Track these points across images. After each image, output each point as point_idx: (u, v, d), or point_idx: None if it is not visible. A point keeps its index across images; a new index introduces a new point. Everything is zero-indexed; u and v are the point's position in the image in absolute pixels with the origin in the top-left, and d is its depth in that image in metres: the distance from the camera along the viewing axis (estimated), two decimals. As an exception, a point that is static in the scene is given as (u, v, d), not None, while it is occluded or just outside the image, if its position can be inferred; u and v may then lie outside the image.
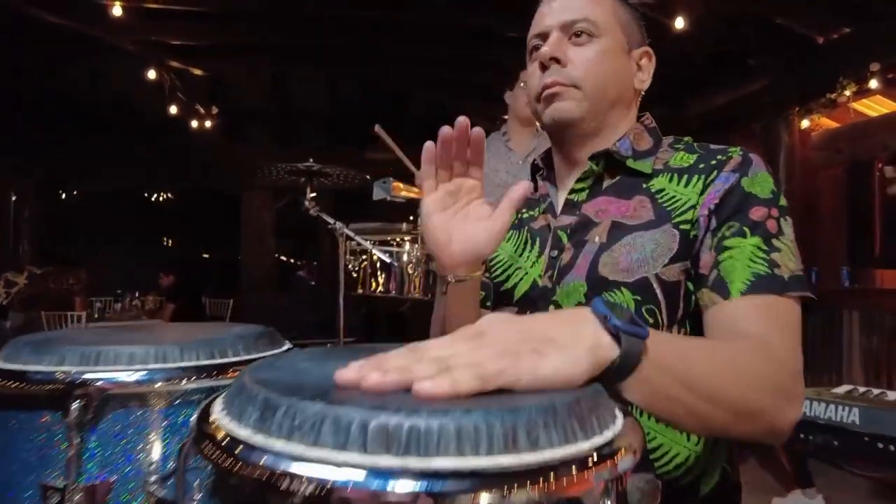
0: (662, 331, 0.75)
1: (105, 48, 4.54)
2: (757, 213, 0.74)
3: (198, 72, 5.17)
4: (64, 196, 9.20)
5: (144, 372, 0.65)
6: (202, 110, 5.81)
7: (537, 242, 0.91)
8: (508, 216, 0.75)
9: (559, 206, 0.90)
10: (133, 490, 0.62)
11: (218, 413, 0.44)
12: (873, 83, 3.95)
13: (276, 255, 8.62)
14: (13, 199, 7.22)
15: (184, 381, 0.66)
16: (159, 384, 0.65)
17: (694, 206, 0.77)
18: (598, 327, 0.50)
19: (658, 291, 0.76)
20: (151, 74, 4.66)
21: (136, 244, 10.03)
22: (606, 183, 0.86)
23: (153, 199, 10.40)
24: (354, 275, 2.00)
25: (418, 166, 0.86)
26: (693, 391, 0.57)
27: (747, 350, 0.65)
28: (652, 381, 0.53)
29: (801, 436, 1.24)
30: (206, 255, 10.38)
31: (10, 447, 0.64)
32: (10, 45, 4.80)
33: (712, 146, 0.85)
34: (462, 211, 0.76)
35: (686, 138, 0.90)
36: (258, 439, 0.38)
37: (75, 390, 0.61)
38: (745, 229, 0.73)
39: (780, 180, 4.80)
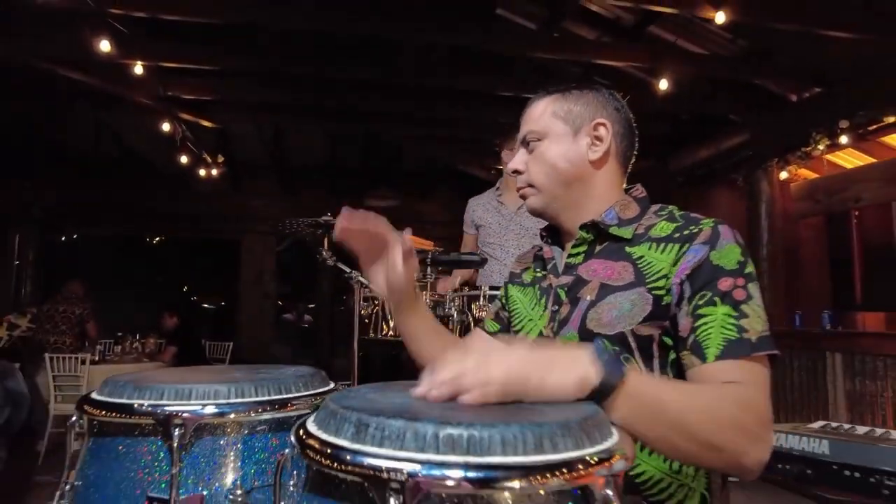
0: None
1: (110, 98, 4.77)
2: (725, 284, 0.86)
3: (207, 124, 5.41)
4: (64, 239, 9.32)
5: (227, 405, 0.80)
6: (209, 159, 6.04)
7: (543, 298, 1.07)
8: (399, 262, 1.01)
9: (560, 268, 1.07)
10: (220, 501, 0.76)
11: (315, 431, 0.59)
12: (843, 139, 4.22)
13: (275, 299, 8.73)
14: (17, 240, 7.35)
15: (258, 412, 0.81)
16: (239, 415, 0.80)
17: (667, 276, 0.91)
18: (588, 362, 0.69)
19: (633, 343, 0.91)
20: (166, 126, 4.89)
21: (135, 288, 10.12)
22: (598, 248, 1.02)
23: (152, 243, 10.54)
24: (367, 321, 2.14)
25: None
26: (664, 421, 0.73)
27: (721, 395, 0.80)
28: (626, 407, 0.70)
29: (780, 466, 1.36)
30: (203, 299, 10.49)
31: (118, 468, 0.77)
32: (21, 94, 5.04)
33: (691, 215, 0.99)
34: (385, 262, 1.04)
35: (671, 207, 1.05)
36: (356, 447, 0.53)
37: (174, 420, 0.76)
38: (716, 299, 0.86)
39: (764, 228, 5.03)
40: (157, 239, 10.61)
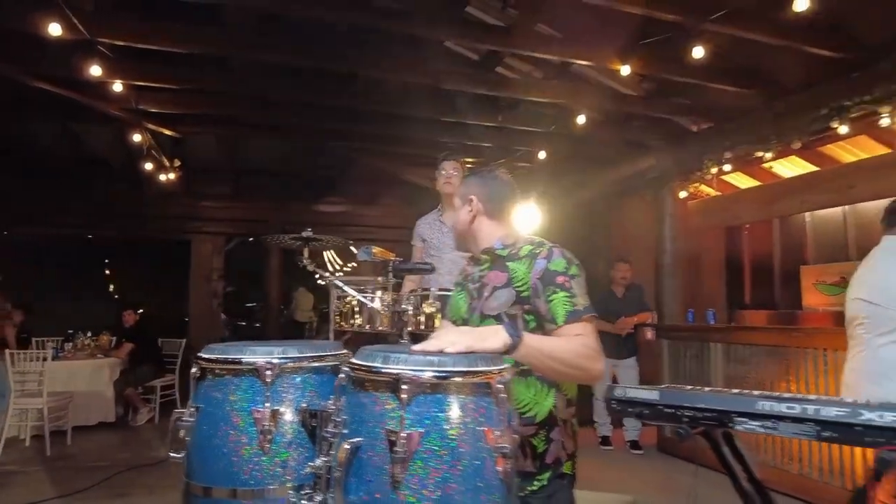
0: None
1: (79, 108, 5.08)
2: (559, 279, 1.55)
3: (168, 132, 5.77)
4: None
5: (289, 358, 1.37)
6: (168, 164, 6.37)
7: (466, 294, 1.73)
8: None
9: (476, 276, 1.73)
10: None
11: (359, 361, 1.18)
12: (726, 166, 5.12)
13: (223, 297, 9.02)
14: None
15: (319, 361, 1.39)
16: (301, 363, 1.38)
17: (526, 280, 1.58)
18: (504, 331, 1.31)
19: (505, 319, 1.51)
20: (137, 137, 5.25)
21: (88, 287, 10.12)
22: (493, 264, 1.69)
23: (98, 244, 10.56)
24: (337, 316, 2.72)
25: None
26: (550, 357, 1.38)
27: (573, 340, 1.46)
28: (526, 353, 1.33)
29: (630, 409, 2.04)
30: (155, 298, 10.63)
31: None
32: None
33: (539, 241, 1.66)
34: None
35: (536, 237, 1.71)
36: (381, 366, 1.13)
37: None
38: (557, 289, 1.54)
39: (667, 238, 5.89)
40: (108, 238, 10.62)
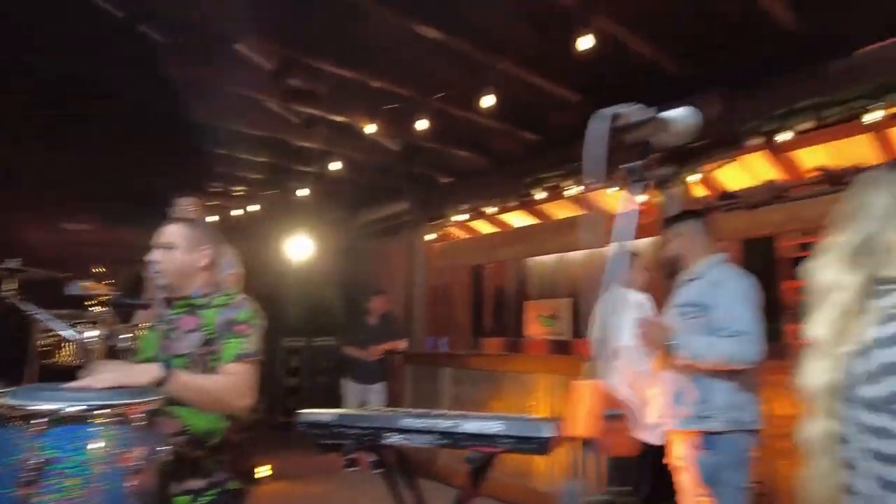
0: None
1: None
2: (239, 328, 1.85)
3: None
4: None
5: None
6: None
7: (160, 335, 1.93)
8: None
9: (168, 318, 1.94)
10: None
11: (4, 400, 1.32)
12: (462, 216, 6.01)
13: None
14: None
15: None
16: None
17: (209, 325, 1.86)
18: (157, 368, 1.57)
19: (197, 358, 1.80)
20: None
21: None
22: (188, 310, 1.93)
23: None
24: (45, 349, 2.66)
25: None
26: (197, 392, 1.66)
27: (225, 378, 1.76)
28: (176, 388, 1.60)
29: (313, 430, 2.33)
30: None
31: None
32: None
33: (233, 292, 1.96)
34: None
35: (230, 290, 2.01)
36: (20, 402, 1.29)
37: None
38: (235, 335, 1.84)
39: (417, 274, 6.60)
40: None
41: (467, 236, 7.28)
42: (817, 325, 1.03)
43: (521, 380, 4.90)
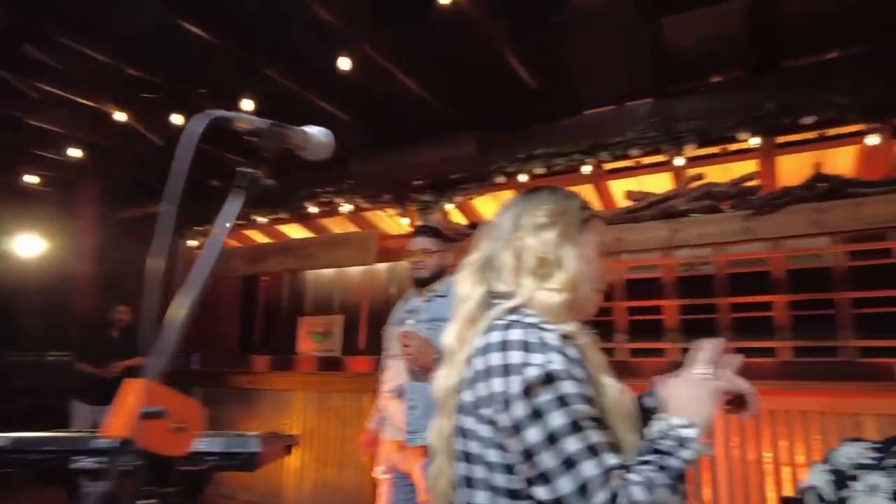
0: None
1: None
2: None
3: None
4: None
5: None
6: None
7: None
8: None
9: None
10: None
11: None
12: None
13: None
14: None
15: None
16: None
17: None
18: None
19: None
20: None
21: None
22: None
23: None
24: None
25: None
26: None
27: None
28: None
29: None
30: None
31: None
32: None
33: None
34: None
35: None
36: None
37: None
38: None
39: (176, 286, 6.04)
40: None
41: (239, 245, 6.90)
42: (449, 334, 1.15)
43: (278, 398, 4.79)
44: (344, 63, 3.29)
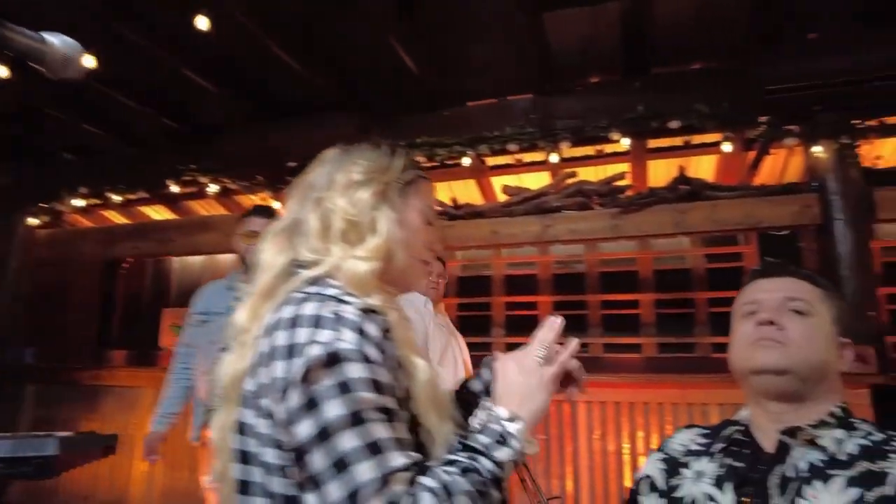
0: None
1: None
2: None
3: None
4: None
5: None
6: None
7: None
8: None
9: None
10: None
11: None
12: (79, 201, 5.08)
13: None
14: None
15: None
16: None
17: None
18: None
19: None
20: None
21: None
22: None
23: None
24: None
25: None
26: None
27: None
28: None
29: None
30: None
31: None
32: None
33: None
34: None
35: None
36: None
37: None
38: None
39: (12, 269, 5.30)
40: None
41: (91, 226, 6.17)
42: (240, 310, 0.94)
43: (126, 396, 4.33)
44: (201, 22, 2.96)
